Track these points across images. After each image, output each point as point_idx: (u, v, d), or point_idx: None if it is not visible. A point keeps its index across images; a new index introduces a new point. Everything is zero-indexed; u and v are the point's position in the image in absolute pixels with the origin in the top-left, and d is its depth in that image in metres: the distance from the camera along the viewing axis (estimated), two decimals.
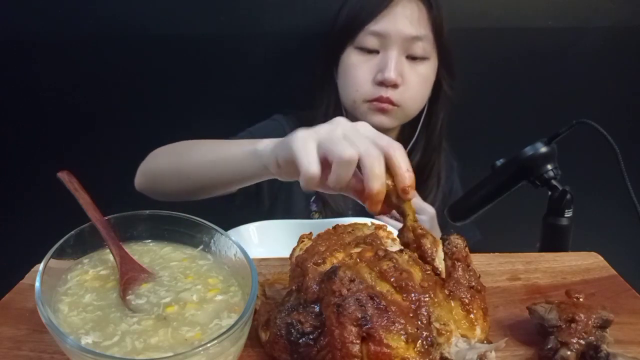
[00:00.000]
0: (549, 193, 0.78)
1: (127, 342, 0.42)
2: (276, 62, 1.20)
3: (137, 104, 1.20)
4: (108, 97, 1.20)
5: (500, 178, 0.84)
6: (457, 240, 0.48)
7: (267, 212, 1.08)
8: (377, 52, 0.98)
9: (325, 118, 1.05)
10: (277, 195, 1.08)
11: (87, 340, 0.42)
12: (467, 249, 0.48)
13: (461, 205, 0.91)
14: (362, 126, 0.54)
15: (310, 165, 0.52)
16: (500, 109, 1.27)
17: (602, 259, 0.66)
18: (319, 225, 0.84)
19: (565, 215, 0.77)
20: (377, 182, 0.50)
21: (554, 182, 0.78)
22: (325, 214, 1.06)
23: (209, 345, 0.39)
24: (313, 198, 1.08)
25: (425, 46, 0.98)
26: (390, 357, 0.39)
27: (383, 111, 0.99)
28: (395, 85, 0.97)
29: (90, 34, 1.14)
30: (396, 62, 0.96)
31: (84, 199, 0.54)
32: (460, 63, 1.22)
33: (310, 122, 1.06)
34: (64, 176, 0.56)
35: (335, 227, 0.55)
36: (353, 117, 1.04)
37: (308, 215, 1.08)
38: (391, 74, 0.95)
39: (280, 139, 0.61)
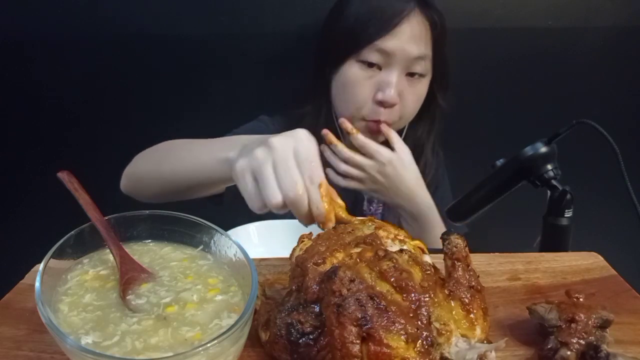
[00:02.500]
0: (549, 193, 0.78)
1: (127, 342, 0.42)
2: (268, 63, 1.20)
3: (137, 104, 1.20)
4: (108, 97, 1.20)
5: (500, 178, 0.84)
6: (457, 240, 0.48)
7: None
8: (378, 67, 0.97)
9: (316, 120, 1.06)
10: None
11: (87, 340, 0.42)
12: (467, 248, 0.48)
13: (461, 205, 0.91)
14: (303, 150, 0.57)
15: (254, 204, 0.58)
16: (500, 109, 1.27)
17: (602, 259, 0.66)
18: None
19: (565, 215, 0.77)
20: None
21: (554, 182, 0.78)
22: None
23: (209, 345, 0.39)
24: None
25: (426, 64, 0.99)
26: (390, 357, 0.39)
27: (377, 132, 0.99)
28: (393, 105, 0.97)
29: (90, 34, 1.14)
30: (397, 82, 0.96)
31: (84, 199, 0.54)
32: (460, 63, 1.21)
33: (297, 123, 1.07)
34: (64, 176, 0.56)
35: (335, 227, 0.55)
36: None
37: (290, 214, 1.07)
38: (392, 94, 0.95)
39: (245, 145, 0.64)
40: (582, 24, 1.20)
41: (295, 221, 0.92)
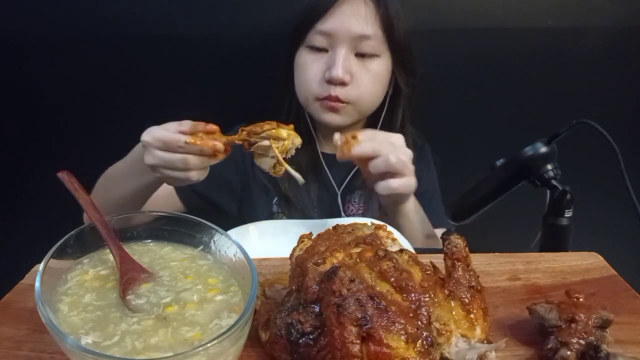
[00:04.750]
0: (549, 193, 0.78)
1: (127, 342, 0.42)
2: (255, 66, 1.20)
3: (137, 104, 1.20)
4: (107, 97, 1.20)
5: (500, 178, 0.84)
6: (457, 240, 0.48)
7: (236, 217, 1.10)
8: (326, 50, 0.99)
9: (287, 119, 1.06)
10: (241, 201, 1.10)
11: (87, 340, 0.42)
12: (467, 249, 0.48)
13: (461, 205, 0.91)
14: (158, 131, 0.76)
15: (184, 177, 0.74)
16: (500, 109, 1.27)
17: (602, 259, 0.66)
18: (319, 225, 0.84)
19: (565, 215, 0.77)
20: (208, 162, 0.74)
21: (554, 182, 0.78)
22: (289, 214, 1.06)
23: (209, 345, 0.39)
24: (275, 199, 1.09)
25: (375, 44, 0.98)
26: (391, 357, 0.39)
27: (333, 109, 0.99)
28: (343, 83, 0.97)
29: (90, 34, 1.14)
30: (343, 60, 0.96)
31: (84, 199, 0.54)
32: (460, 63, 1.21)
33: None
34: (64, 176, 0.56)
35: (335, 227, 0.55)
36: (310, 115, 1.05)
37: (272, 217, 1.08)
38: (338, 72, 0.95)
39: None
40: (582, 24, 1.20)
41: (295, 221, 0.92)
